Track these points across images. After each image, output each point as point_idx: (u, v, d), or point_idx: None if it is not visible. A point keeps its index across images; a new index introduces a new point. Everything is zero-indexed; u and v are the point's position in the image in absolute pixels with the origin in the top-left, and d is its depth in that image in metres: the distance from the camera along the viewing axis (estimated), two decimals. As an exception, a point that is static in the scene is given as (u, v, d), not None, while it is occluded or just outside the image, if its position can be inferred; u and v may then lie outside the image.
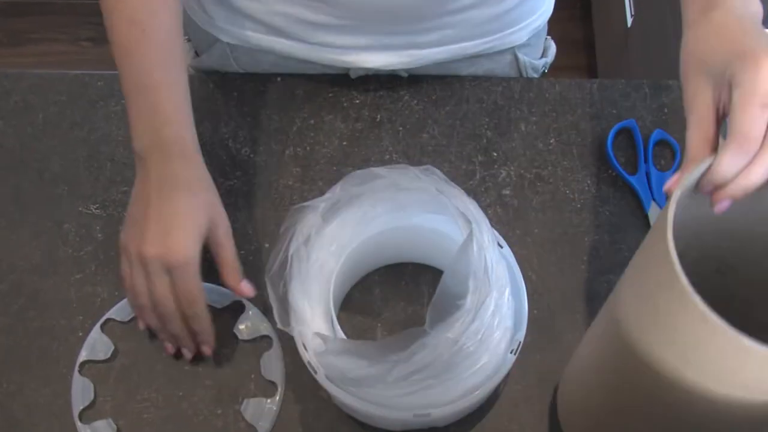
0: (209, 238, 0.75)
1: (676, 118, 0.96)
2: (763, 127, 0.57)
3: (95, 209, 0.90)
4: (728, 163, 0.57)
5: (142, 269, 0.74)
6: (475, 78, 0.98)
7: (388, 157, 0.92)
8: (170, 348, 0.80)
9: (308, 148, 0.93)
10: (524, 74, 1.04)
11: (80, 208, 0.90)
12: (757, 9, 0.67)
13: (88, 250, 0.88)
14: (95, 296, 0.85)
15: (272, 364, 0.81)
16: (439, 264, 0.85)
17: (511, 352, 0.72)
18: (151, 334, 0.82)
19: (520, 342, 0.72)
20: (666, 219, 0.52)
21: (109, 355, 0.82)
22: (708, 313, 0.49)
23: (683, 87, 0.65)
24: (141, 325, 0.80)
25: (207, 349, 0.79)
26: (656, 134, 0.94)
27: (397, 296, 0.84)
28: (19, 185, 0.92)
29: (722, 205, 0.59)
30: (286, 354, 0.81)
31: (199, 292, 0.75)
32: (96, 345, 0.82)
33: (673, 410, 0.58)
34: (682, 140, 0.93)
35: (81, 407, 0.79)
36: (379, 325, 0.83)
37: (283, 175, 0.92)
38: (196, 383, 0.81)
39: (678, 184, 0.55)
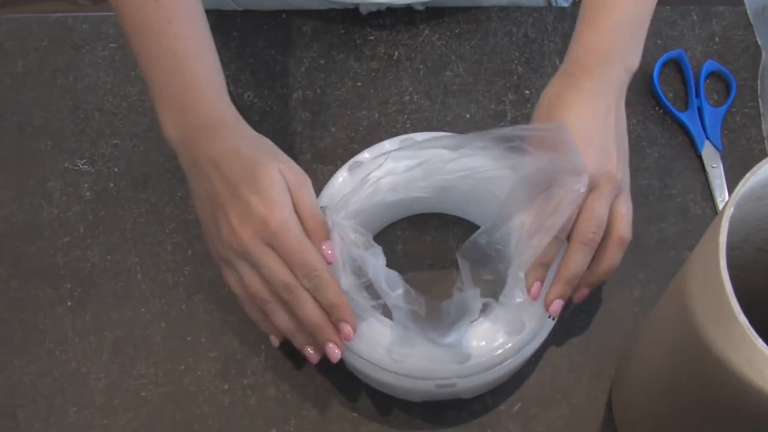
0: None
1: (729, 47, 0.86)
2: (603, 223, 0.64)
3: (83, 165, 0.82)
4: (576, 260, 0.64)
5: (246, 262, 0.63)
6: (502, 9, 0.88)
7: (408, 98, 0.83)
8: (313, 354, 0.66)
9: (318, 90, 0.84)
10: (553, 3, 0.94)
11: (66, 164, 0.82)
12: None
13: (76, 210, 0.79)
14: (85, 261, 0.77)
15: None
16: (470, 215, 0.76)
17: (549, 317, 0.64)
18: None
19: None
20: (718, 245, 0.45)
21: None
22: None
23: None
24: (275, 342, 0.68)
25: (348, 330, 0.63)
26: (708, 65, 0.84)
27: (423, 252, 0.76)
28: (-2, 141, 0.84)
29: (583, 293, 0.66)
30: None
31: (311, 251, 0.62)
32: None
33: (740, 408, 0.49)
34: (736, 71, 0.84)
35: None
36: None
37: (291, 121, 0.83)
38: (199, 356, 0.73)
39: (730, 203, 0.47)
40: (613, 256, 0.66)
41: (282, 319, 0.65)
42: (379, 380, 0.65)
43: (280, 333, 0.67)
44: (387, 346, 0.63)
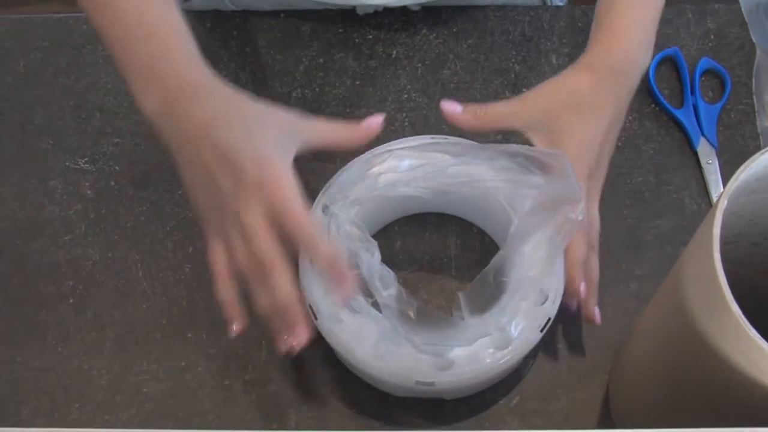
0: (304, 146, 0.64)
1: (724, 45, 0.86)
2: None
3: (84, 164, 0.82)
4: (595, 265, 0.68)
5: (238, 232, 0.61)
6: (499, 8, 0.89)
7: (406, 96, 0.84)
8: (291, 339, 0.62)
9: (317, 89, 0.85)
10: (548, 2, 0.95)
11: (67, 163, 0.82)
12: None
13: (77, 208, 0.80)
14: (86, 259, 0.77)
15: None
16: (468, 217, 0.77)
17: (539, 330, 0.65)
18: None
19: (549, 319, 0.65)
20: (712, 237, 0.46)
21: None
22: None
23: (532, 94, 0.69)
24: (236, 330, 0.64)
25: (348, 289, 0.62)
26: (703, 63, 0.85)
27: (421, 248, 0.76)
28: None
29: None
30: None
31: (301, 208, 0.60)
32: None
33: (735, 399, 0.50)
34: (731, 68, 0.85)
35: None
36: (401, 281, 0.75)
37: (290, 119, 0.83)
38: (199, 352, 0.73)
39: (723, 195, 0.48)
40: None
41: (263, 299, 0.62)
42: (362, 371, 0.66)
43: (244, 320, 0.64)
44: (373, 341, 0.63)
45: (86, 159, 0.82)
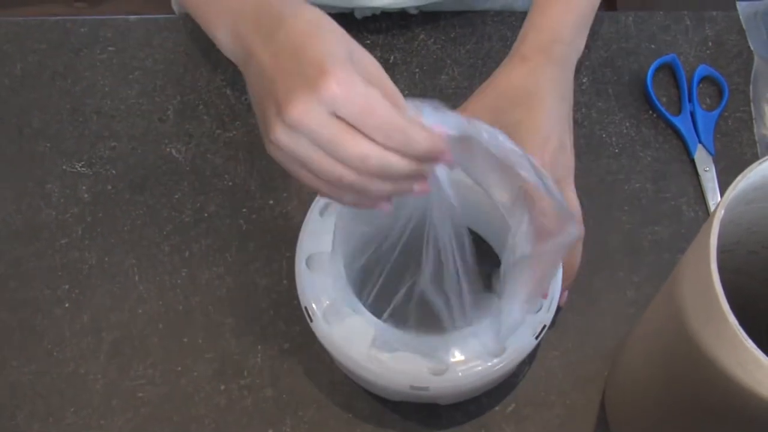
0: None
1: (721, 52, 0.87)
2: None
3: (80, 167, 0.82)
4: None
5: (308, 141, 0.50)
6: (497, 13, 0.89)
7: (403, 101, 0.84)
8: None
9: (315, 94, 0.84)
10: (546, 7, 0.95)
11: (64, 167, 0.82)
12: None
13: (74, 212, 0.80)
14: (83, 263, 0.77)
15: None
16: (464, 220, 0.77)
17: (534, 337, 0.64)
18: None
19: (545, 326, 0.65)
20: (709, 248, 0.45)
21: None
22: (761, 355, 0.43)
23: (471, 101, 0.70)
24: (387, 209, 0.56)
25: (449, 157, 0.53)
26: (701, 70, 0.85)
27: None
28: (-4, 143, 0.84)
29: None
30: (295, 323, 0.73)
31: (386, 106, 0.50)
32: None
33: (731, 408, 0.50)
34: (729, 76, 0.85)
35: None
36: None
37: (288, 124, 0.83)
38: (195, 356, 0.73)
39: (720, 205, 0.48)
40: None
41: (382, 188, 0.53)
42: (357, 375, 0.66)
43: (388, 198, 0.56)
44: (368, 345, 0.63)
45: (83, 162, 0.82)
